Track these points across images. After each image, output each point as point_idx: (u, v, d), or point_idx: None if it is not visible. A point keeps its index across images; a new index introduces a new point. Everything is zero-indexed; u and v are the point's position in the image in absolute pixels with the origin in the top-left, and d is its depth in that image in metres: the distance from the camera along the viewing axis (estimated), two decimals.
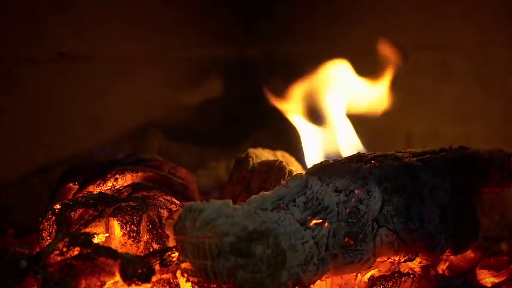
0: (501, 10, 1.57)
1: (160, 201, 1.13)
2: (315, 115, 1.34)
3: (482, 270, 1.15)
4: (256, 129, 2.09)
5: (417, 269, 1.09)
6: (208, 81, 2.04)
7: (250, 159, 1.23)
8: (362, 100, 1.31)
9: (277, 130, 2.08)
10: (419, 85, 1.75)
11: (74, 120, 1.72)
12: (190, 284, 0.94)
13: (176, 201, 1.15)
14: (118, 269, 0.92)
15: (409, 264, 1.08)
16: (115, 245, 1.06)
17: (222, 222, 0.88)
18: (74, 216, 1.09)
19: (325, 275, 0.96)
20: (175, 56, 1.94)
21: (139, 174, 1.19)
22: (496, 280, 1.14)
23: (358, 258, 0.97)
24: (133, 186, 1.17)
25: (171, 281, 1.03)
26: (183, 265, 0.93)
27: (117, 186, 1.17)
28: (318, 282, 0.99)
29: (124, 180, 1.18)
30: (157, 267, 0.96)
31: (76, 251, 0.93)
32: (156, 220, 1.10)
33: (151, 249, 1.07)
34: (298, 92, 1.36)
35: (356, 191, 1.00)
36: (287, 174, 1.16)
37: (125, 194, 1.16)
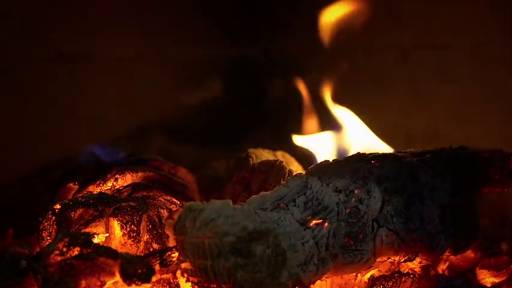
0: (501, 10, 1.57)
1: (160, 201, 1.13)
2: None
3: (482, 270, 1.15)
4: (256, 129, 2.09)
5: (417, 269, 1.09)
6: (208, 81, 2.04)
7: (250, 159, 1.23)
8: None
9: (277, 130, 2.08)
10: (419, 85, 1.75)
11: (74, 120, 1.72)
12: (190, 284, 0.94)
13: (176, 201, 1.15)
14: (118, 269, 0.92)
15: (409, 264, 1.08)
16: (115, 245, 1.06)
17: (222, 222, 0.88)
18: (74, 216, 1.09)
19: (325, 275, 0.96)
20: (175, 56, 1.94)
21: (139, 174, 1.19)
22: (496, 280, 1.14)
23: (358, 258, 0.97)
24: (133, 186, 1.17)
25: (171, 281, 1.03)
26: (183, 265, 0.93)
27: (117, 186, 1.17)
28: (318, 282, 0.99)
29: (124, 180, 1.18)
30: (157, 267, 0.96)
31: (76, 251, 0.93)
32: (156, 220, 1.10)
33: (151, 249, 1.07)
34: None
35: (356, 191, 1.00)
36: (287, 174, 1.16)
37: (125, 194, 1.16)
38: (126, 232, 1.07)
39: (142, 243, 1.07)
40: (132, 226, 1.07)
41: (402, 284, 1.06)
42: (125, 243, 1.06)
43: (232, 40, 2.05)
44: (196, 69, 2.01)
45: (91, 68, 1.75)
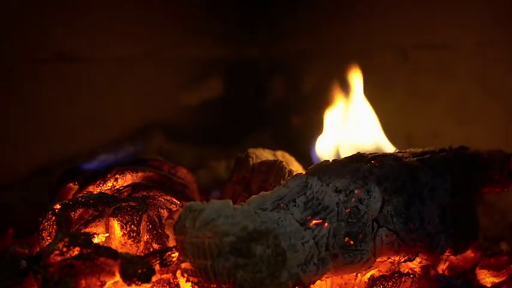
0: (501, 10, 1.57)
1: (160, 201, 1.13)
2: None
3: (482, 270, 1.15)
4: (256, 129, 2.09)
5: (417, 269, 1.09)
6: (208, 81, 2.04)
7: (250, 159, 1.23)
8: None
9: (277, 130, 2.09)
10: (419, 85, 1.75)
11: (74, 121, 1.72)
12: (190, 284, 0.94)
13: (176, 201, 1.15)
14: (118, 269, 0.92)
15: (409, 264, 1.08)
16: (115, 245, 1.06)
17: (222, 222, 0.88)
18: (74, 216, 1.09)
19: (325, 275, 0.96)
20: (175, 56, 1.94)
21: (139, 174, 1.19)
22: (496, 280, 1.14)
23: (358, 258, 0.97)
24: (133, 186, 1.17)
25: (171, 281, 1.03)
26: (183, 265, 0.93)
27: (117, 186, 1.17)
28: (318, 282, 0.99)
29: (124, 180, 1.18)
30: (157, 267, 0.96)
31: (76, 251, 0.93)
32: (156, 220, 1.10)
33: (151, 249, 1.07)
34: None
35: (356, 191, 1.00)
36: (287, 174, 1.16)
37: (125, 194, 1.16)
38: (126, 232, 1.07)
39: (142, 243, 1.07)
40: (132, 226, 1.07)
41: (402, 284, 1.06)
42: (125, 243, 1.06)
43: (232, 40, 2.05)
44: (196, 69, 2.01)
45: (91, 68, 1.75)
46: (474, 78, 1.63)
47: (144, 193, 1.14)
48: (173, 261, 0.97)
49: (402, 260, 1.05)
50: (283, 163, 1.18)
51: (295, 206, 0.96)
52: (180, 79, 1.99)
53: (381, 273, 1.08)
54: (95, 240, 1.03)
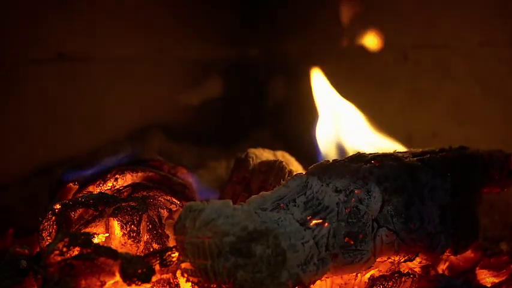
0: (501, 10, 1.57)
1: (160, 201, 1.13)
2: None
3: (482, 270, 1.15)
4: (256, 129, 2.09)
5: (417, 269, 1.09)
6: (208, 81, 2.04)
7: (250, 159, 1.23)
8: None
9: (277, 130, 2.09)
10: (419, 85, 1.75)
11: (74, 120, 1.72)
12: (190, 284, 0.94)
13: (176, 201, 1.15)
14: (118, 269, 0.92)
15: (409, 264, 1.08)
16: (115, 245, 1.06)
17: (222, 222, 0.88)
18: (74, 216, 1.08)
19: (325, 275, 0.96)
20: (175, 56, 1.94)
21: (139, 174, 1.19)
22: (496, 280, 1.14)
23: (358, 258, 0.97)
24: (133, 186, 1.17)
25: (171, 281, 1.03)
26: (183, 265, 0.93)
27: (117, 186, 1.17)
28: (318, 282, 0.99)
29: (124, 180, 1.18)
30: (157, 267, 0.96)
31: (76, 251, 0.93)
32: (156, 220, 1.10)
33: (151, 249, 1.07)
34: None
35: (356, 191, 1.00)
36: (287, 174, 1.16)
37: (125, 194, 1.16)
38: (126, 232, 1.07)
39: (142, 243, 1.07)
40: (132, 226, 1.07)
41: (402, 284, 1.06)
42: (125, 243, 1.06)
43: (232, 40, 2.05)
44: (196, 69, 2.01)
45: (91, 68, 1.75)
46: (474, 78, 1.63)
47: (144, 193, 1.14)
48: (173, 261, 0.97)
49: (402, 260, 1.05)
50: (283, 163, 1.18)
51: (295, 206, 0.96)
52: (180, 79, 1.99)
53: (381, 273, 1.08)
54: (95, 240, 1.03)
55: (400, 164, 1.04)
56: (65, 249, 0.92)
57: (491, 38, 1.59)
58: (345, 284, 1.07)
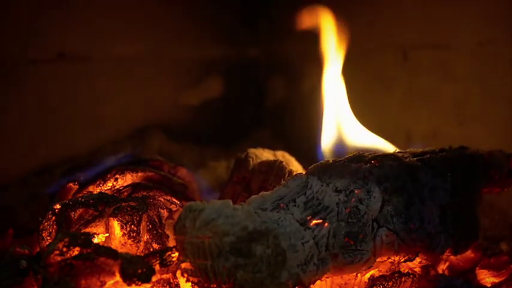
0: (501, 10, 1.57)
1: (160, 201, 1.13)
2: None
3: (482, 270, 1.15)
4: (256, 129, 2.09)
5: (417, 269, 1.09)
6: (208, 81, 2.04)
7: (250, 159, 1.23)
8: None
9: (277, 130, 2.09)
10: (419, 85, 1.75)
11: (74, 120, 1.72)
12: (190, 284, 0.94)
13: (176, 201, 1.15)
14: (118, 269, 0.92)
15: (409, 264, 1.08)
16: (115, 245, 1.06)
17: (222, 222, 0.88)
18: (74, 216, 1.09)
19: (325, 275, 0.96)
20: (175, 56, 1.94)
21: (139, 174, 1.19)
22: (496, 280, 1.14)
23: (358, 258, 0.97)
24: (134, 186, 1.17)
25: (171, 281, 1.03)
26: (183, 265, 0.93)
27: (117, 186, 1.17)
28: (318, 282, 0.99)
29: (124, 180, 1.18)
30: (157, 267, 0.96)
31: (76, 251, 0.93)
32: (156, 220, 1.10)
33: (151, 249, 1.07)
34: None
35: (356, 191, 1.00)
36: (287, 174, 1.16)
37: (125, 194, 1.16)
38: (126, 232, 1.07)
39: (142, 243, 1.07)
40: (132, 226, 1.07)
41: (402, 284, 1.06)
42: (125, 243, 1.06)
43: (232, 40, 2.05)
44: (196, 69, 2.01)
45: (91, 68, 1.75)
46: (474, 78, 1.63)
47: (144, 193, 1.14)
48: (173, 261, 0.97)
49: (402, 260, 1.05)
50: (283, 163, 1.18)
51: (295, 206, 0.96)
52: (180, 79, 1.99)
53: (381, 273, 1.08)
54: (95, 240, 1.03)
55: (400, 164, 1.04)
56: (65, 249, 0.92)
57: (491, 38, 1.59)
58: (345, 284, 1.07)
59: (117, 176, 1.18)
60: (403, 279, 1.06)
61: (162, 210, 1.12)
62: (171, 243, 1.07)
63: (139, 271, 0.91)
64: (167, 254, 0.97)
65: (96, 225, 1.07)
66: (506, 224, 1.49)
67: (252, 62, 2.10)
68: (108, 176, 1.18)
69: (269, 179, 1.17)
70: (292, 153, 1.36)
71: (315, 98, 1.40)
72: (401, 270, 1.08)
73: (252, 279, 0.88)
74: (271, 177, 1.17)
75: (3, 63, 1.56)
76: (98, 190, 1.17)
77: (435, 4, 1.68)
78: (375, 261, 1.01)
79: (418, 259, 1.05)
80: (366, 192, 1.00)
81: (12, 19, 1.57)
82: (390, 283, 1.06)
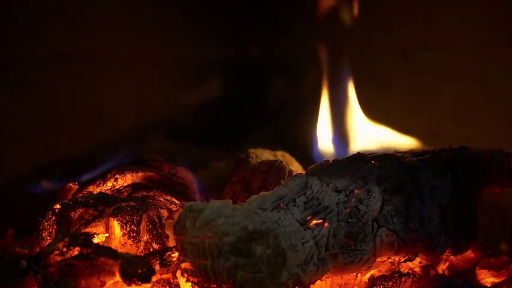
0: (501, 10, 1.57)
1: (160, 201, 1.13)
2: None
3: (482, 270, 1.15)
4: (256, 129, 2.09)
5: (417, 269, 1.09)
6: (208, 81, 2.04)
7: (250, 159, 1.23)
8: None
9: (277, 130, 2.09)
10: (419, 85, 1.75)
11: (73, 120, 1.72)
12: (190, 284, 0.94)
13: (176, 201, 1.15)
14: (118, 269, 0.92)
15: (409, 264, 1.08)
16: (115, 245, 1.06)
17: (222, 222, 0.88)
18: (74, 216, 1.09)
19: (325, 275, 0.96)
20: (175, 56, 1.94)
21: (139, 174, 1.19)
22: (496, 280, 1.14)
23: (358, 258, 0.97)
24: (134, 186, 1.17)
25: (171, 281, 1.03)
26: (183, 265, 0.93)
27: (117, 186, 1.18)
28: (318, 282, 0.99)
29: (124, 180, 1.18)
30: (157, 267, 0.96)
31: (76, 251, 0.93)
32: (156, 220, 1.10)
33: (151, 249, 1.07)
34: None
35: (356, 191, 1.00)
36: (287, 174, 1.16)
37: (125, 194, 1.16)
38: (126, 232, 1.07)
39: (142, 243, 1.07)
40: (132, 226, 1.07)
41: (402, 284, 1.06)
42: (125, 243, 1.06)
43: (232, 40, 2.05)
44: (196, 69, 2.01)
45: (91, 68, 1.75)
46: (474, 78, 1.63)
47: (144, 193, 1.14)
48: (173, 261, 0.97)
49: (402, 260, 1.05)
50: (283, 163, 1.18)
51: (295, 206, 0.96)
52: (180, 79, 1.99)
53: (381, 273, 1.08)
54: (95, 240, 1.03)
55: (400, 164, 1.04)
56: (65, 249, 0.92)
57: (491, 38, 1.59)
58: (345, 284, 1.07)
59: (117, 176, 1.18)
60: (403, 279, 1.06)
61: (162, 210, 1.12)
62: (171, 243, 1.07)
63: (139, 271, 0.91)
64: (167, 254, 0.97)
65: (96, 225, 1.07)
66: (506, 224, 1.49)
67: (252, 62, 2.10)
68: (108, 176, 1.18)
69: (269, 179, 1.17)
70: (292, 153, 1.36)
71: (315, 98, 1.40)
72: (401, 270, 1.08)
73: (252, 279, 0.88)
74: (271, 177, 1.17)
75: (3, 63, 1.56)
76: (98, 190, 1.17)
77: (435, 4, 1.68)
78: (375, 261, 1.01)
79: (418, 259, 1.05)
80: (366, 192, 1.00)
81: (12, 19, 1.57)
82: (390, 283, 1.06)
